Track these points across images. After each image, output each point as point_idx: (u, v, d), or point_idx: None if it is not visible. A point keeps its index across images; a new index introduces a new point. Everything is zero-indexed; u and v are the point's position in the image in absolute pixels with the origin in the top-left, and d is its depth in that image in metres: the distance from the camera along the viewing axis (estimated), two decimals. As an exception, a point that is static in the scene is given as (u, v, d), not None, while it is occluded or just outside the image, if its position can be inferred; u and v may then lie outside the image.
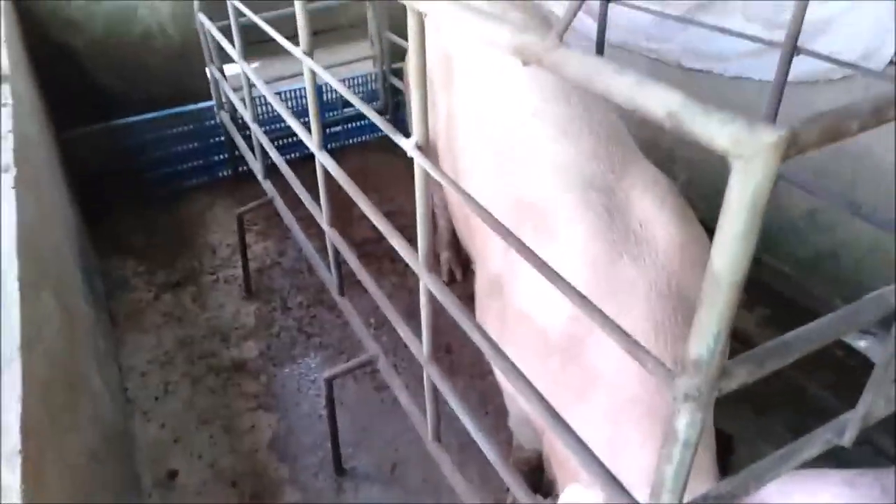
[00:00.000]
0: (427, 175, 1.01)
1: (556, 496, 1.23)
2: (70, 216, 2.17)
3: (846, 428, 0.80)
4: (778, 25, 1.99)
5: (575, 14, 0.65)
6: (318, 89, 2.97)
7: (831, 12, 1.83)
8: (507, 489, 1.68)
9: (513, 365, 0.93)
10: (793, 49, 1.31)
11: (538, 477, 1.60)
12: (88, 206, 2.59)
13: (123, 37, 2.68)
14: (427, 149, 0.99)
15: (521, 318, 1.11)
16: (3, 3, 2.24)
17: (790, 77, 1.74)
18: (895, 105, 0.50)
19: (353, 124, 3.12)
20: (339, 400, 1.91)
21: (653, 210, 1.06)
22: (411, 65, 0.94)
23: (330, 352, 2.10)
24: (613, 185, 1.10)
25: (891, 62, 1.76)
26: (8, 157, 1.44)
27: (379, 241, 2.50)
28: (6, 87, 1.72)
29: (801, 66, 1.54)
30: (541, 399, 0.90)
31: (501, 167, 1.27)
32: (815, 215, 2.12)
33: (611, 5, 2.52)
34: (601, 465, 0.80)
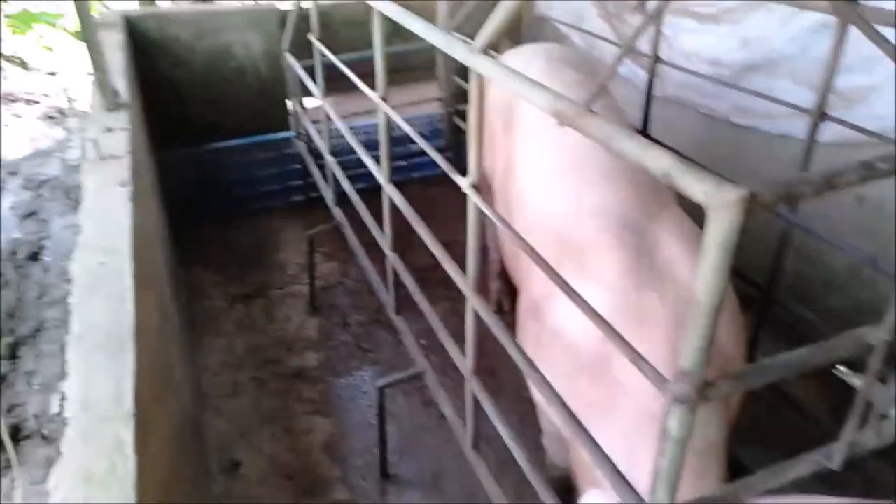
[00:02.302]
0: (479, 210, 1.18)
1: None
2: (163, 228, 2.45)
3: (835, 453, 0.91)
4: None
5: (603, 86, 0.81)
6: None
7: (876, 80, 1.92)
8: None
9: (542, 376, 1.07)
10: (820, 116, 1.43)
11: (568, 498, 1.70)
12: (176, 220, 2.87)
13: (220, 72, 3.00)
14: (481, 188, 1.16)
15: (555, 340, 1.25)
16: (122, 39, 2.58)
17: (838, 138, 1.84)
18: (843, 176, 0.64)
19: (418, 159, 3.33)
20: (388, 411, 2.06)
21: (679, 253, 1.19)
22: (471, 116, 1.12)
23: (383, 367, 2.27)
24: (645, 227, 1.24)
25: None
26: (126, 174, 1.69)
27: (434, 269, 2.66)
28: (125, 114, 2.00)
29: (844, 129, 1.64)
30: (566, 408, 1.04)
31: (548, 207, 1.42)
32: (857, 269, 2.17)
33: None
34: (615, 468, 0.93)
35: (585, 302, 0.89)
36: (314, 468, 1.91)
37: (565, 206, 1.37)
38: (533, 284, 1.39)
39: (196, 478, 1.71)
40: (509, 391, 2.15)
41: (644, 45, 2.73)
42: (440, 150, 3.31)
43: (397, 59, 3.61)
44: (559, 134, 1.59)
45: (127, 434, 1.02)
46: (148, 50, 2.86)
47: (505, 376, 2.21)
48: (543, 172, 1.49)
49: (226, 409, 2.11)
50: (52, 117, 4.20)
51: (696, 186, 0.61)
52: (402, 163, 3.34)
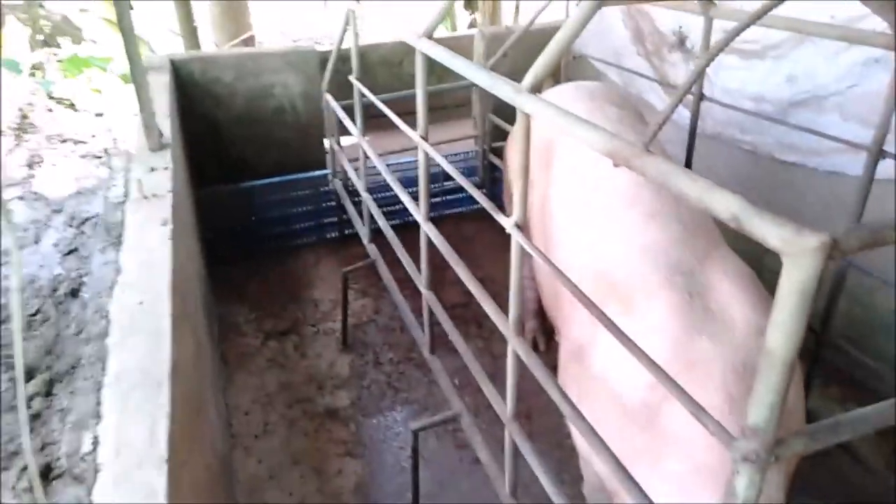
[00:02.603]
0: (522, 250, 1.15)
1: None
2: (199, 264, 2.46)
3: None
4: (875, 125, 2.03)
5: (661, 126, 0.78)
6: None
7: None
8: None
9: (587, 423, 1.02)
10: (878, 153, 1.37)
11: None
12: (213, 256, 2.90)
13: (259, 111, 3.05)
14: (524, 228, 1.13)
15: (599, 385, 1.19)
16: (168, 81, 2.65)
17: (889, 174, 1.77)
18: (931, 220, 0.59)
19: (451, 196, 3.33)
20: (420, 453, 2.01)
21: (732, 295, 1.14)
22: (517, 156, 1.09)
23: (415, 407, 2.22)
24: (696, 269, 1.19)
25: None
26: (167, 213, 1.71)
27: (467, 306, 2.64)
28: (168, 154, 2.04)
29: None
30: (614, 459, 0.98)
31: (592, 246, 1.38)
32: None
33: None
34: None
35: (639, 347, 0.84)
36: (345, 513, 1.86)
37: (609, 246, 1.33)
38: (575, 326, 1.34)
39: (226, 520, 1.68)
40: (545, 435, 2.08)
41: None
42: (475, 188, 3.31)
43: (432, 98, 3.67)
44: (601, 172, 1.56)
45: (160, 480, 0.99)
46: (190, 91, 2.94)
47: (540, 420, 2.14)
48: (585, 211, 1.46)
49: (256, 449, 2.08)
50: (97, 157, 4.33)
51: (771, 231, 0.57)
52: (437, 199, 3.34)
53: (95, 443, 1.11)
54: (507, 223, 1.14)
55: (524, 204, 1.12)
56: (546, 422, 2.11)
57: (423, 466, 1.98)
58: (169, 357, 1.24)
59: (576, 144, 1.68)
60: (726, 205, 0.62)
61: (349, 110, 2.50)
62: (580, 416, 1.05)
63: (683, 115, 2.91)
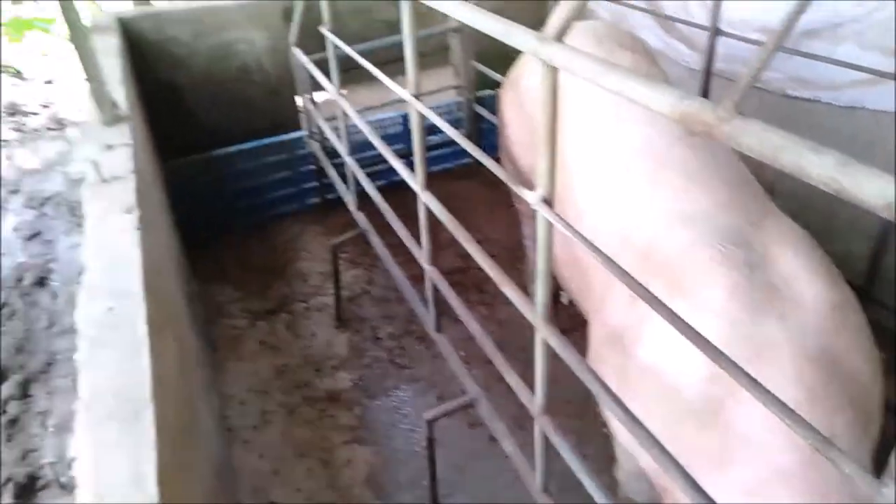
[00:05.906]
0: (550, 228, 0.99)
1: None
2: (175, 244, 2.27)
3: None
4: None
5: (753, 81, 0.61)
6: (404, 119, 3.01)
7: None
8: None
9: (650, 434, 0.88)
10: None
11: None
12: (187, 234, 2.70)
13: (223, 72, 2.80)
14: (552, 202, 0.97)
15: (647, 377, 1.06)
16: (117, 43, 2.38)
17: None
18: None
19: (437, 152, 3.13)
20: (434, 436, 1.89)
21: (797, 266, 1.00)
22: (543, 118, 0.92)
23: (422, 385, 2.09)
24: (751, 237, 1.04)
25: None
26: (131, 198, 1.51)
27: (465, 272, 2.49)
28: (126, 128, 1.81)
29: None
30: (679, 467, 0.85)
31: (622, 217, 1.22)
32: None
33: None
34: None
35: (718, 349, 0.70)
36: (358, 506, 1.74)
37: (645, 216, 1.17)
38: (611, 310, 1.19)
39: (231, 529, 1.55)
40: (561, 406, 1.96)
41: (682, 15, 2.51)
42: (489, 158, 3.10)
43: (402, 47, 3.41)
44: (623, 127, 1.38)
45: (152, 530, 0.84)
46: (144, 53, 2.67)
47: (554, 388, 2.02)
48: (608, 175, 1.29)
49: (255, 443, 1.94)
50: (51, 129, 4.03)
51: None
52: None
53: (72, 485, 0.96)
54: (531, 197, 0.98)
55: (552, 174, 0.95)
56: (561, 391, 1.98)
57: (438, 449, 1.86)
58: (149, 373, 1.08)
59: (590, 99, 1.49)
60: (880, 189, 0.46)
61: (320, 65, 2.28)
62: (627, 413, 0.92)
63: (679, 49, 2.72)
